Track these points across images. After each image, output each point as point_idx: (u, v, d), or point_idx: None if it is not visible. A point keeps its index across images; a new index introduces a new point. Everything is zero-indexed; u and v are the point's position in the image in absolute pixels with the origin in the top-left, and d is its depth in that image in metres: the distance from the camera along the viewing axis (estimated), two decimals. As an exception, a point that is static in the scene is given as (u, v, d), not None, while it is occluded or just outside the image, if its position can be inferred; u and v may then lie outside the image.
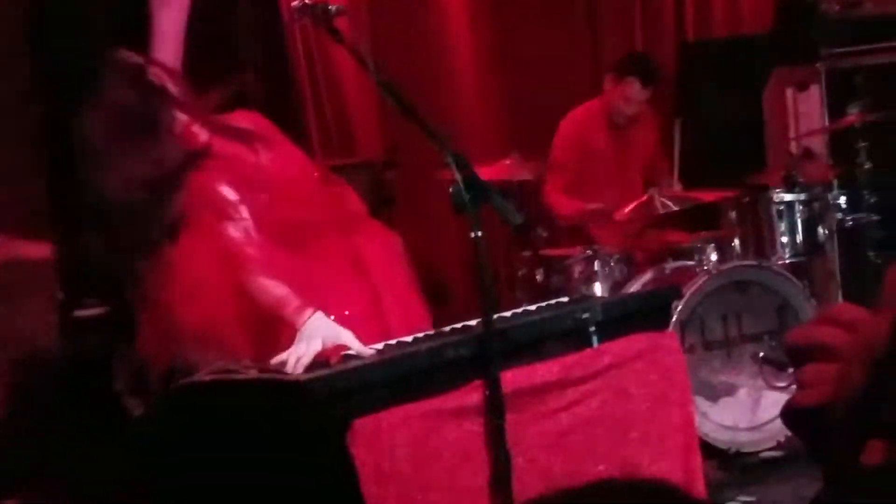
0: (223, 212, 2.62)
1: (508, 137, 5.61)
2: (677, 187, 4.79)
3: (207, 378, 2.41)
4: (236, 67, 4.11)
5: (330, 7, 2.63)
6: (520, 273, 4.64)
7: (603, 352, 2.59)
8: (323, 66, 5.24)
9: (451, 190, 2.34)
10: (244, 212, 2.62)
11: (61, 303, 4.24)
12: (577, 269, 4.52)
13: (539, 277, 4.62)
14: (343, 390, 2.28)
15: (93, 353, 4.08)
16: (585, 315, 2.57)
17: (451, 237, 5.81)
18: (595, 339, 2.58)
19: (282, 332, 2.55)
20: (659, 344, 2.66)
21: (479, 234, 2.31)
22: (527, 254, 4.66)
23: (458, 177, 2.32)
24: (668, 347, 2.68)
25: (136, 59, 2.74)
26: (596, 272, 4.47)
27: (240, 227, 2.63)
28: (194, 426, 2.39)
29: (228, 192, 2.63)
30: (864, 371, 0.89)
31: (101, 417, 3.70)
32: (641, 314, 2.69)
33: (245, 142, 2.70)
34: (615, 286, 4.44)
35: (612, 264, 4.52)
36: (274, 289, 2.58)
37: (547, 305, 2.82)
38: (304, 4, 2.65)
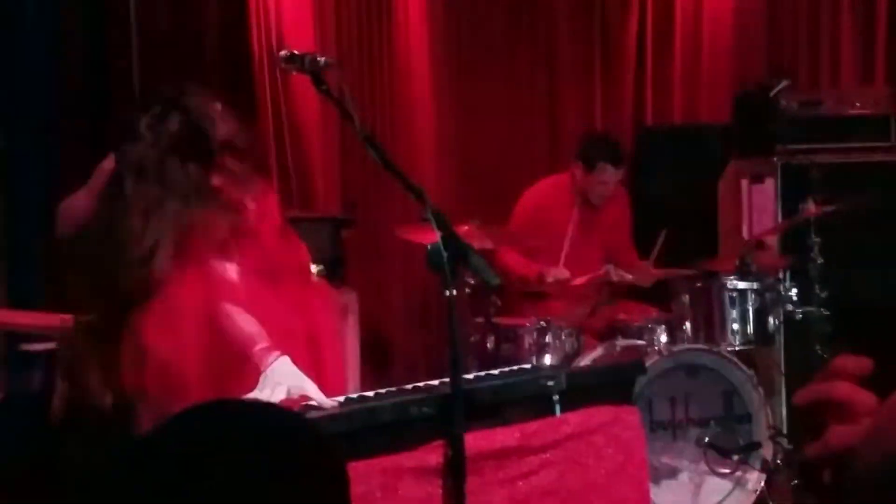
0: (221, 250, 2.63)
1: (464, 206, 5.64)
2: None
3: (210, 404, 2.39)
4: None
5: (319, 59, 2.64)
6: (471, 339, 4.64)
7: (564, 421, 2.58)
8: (288, 116, 5.25)
9: (428, 247, 2.34)
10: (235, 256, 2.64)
11: (9, 336, 4.16)
12: (528, 340, 4.52)
13: (490, 345, 4.61)
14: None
15: (37, 386, 4.00)
16: (550, 383, 2.57)
17: (398, 298, 5.82)
18: (558, 407, 2.58)
19: (246, 371, 2.52)
20: (620, 418, 2.66)
21: (454, 293, 2.31)
22: (479, 320, 4.66)
23: (437, 235, 2.32)
24: (628, 422, 2.68)
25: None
26: (547, 344, 4.48)
27: (226, 263, 2.61)
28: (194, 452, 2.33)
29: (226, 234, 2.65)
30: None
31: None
32: (604, 387, 2.69)
33: (244, 186, 2.71)
34: (565, 359, 4.45)
35: (563, 337, 4.54)
36: (246, 324, 2.59)
37: (510, 371, 2.82)
38: (293, 54, 2.66)
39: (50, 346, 4.14)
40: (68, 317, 2.99)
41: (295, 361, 2.58)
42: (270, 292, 2.73)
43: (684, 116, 6.31)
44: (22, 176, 4.17)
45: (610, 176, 4.99)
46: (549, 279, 4.84)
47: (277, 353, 2.55)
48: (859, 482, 0.91)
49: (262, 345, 2.55)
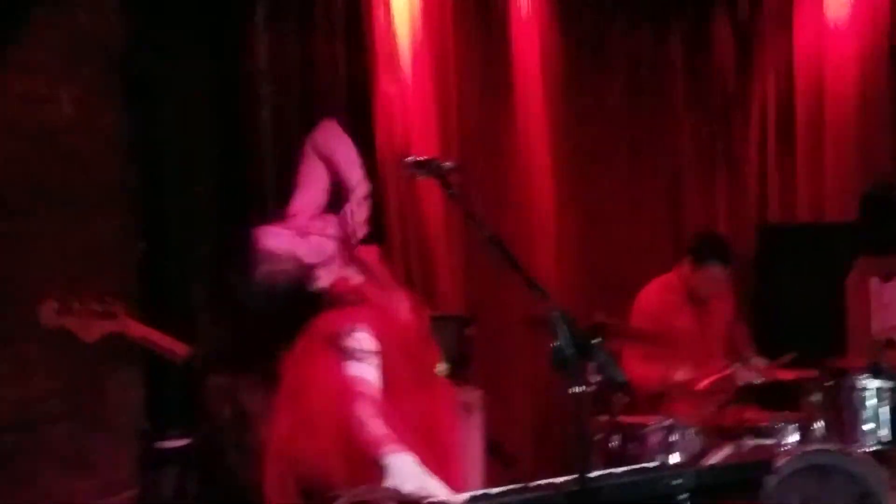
0: (351, 353, 2.70)
1: (586, 304, 5.66)
2: (760, 361, 4.81)
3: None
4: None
5: (444, 164, 2.75)
6: (595, 437, 4.62)
7: (692, 520, 2.57)
8: (413, 220, 5.39)
9: (553, 345, 2.39)
10: (375, 360, 2.71)
11: (144, 432, 4.30)
12: (653, 439, 4.49)
13: (614, 444, 4.59)
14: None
15: (171, 485, 4.12)
16: (678, 481, 2.56)
17: (523, 397, 5.82)
18: (685, 506, 2.57)
19: (376, 474, 2.58)
20: (749, 517, 2.63)
21: (580, 390, 2.34)
22: (603, 419, 4.64)
23: (561, 332, 2.36)
24: (758, 522, 2.65)
25: None
26: (673, 443, 4.43)
27: (366, 369, 2.70)
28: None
29: (365, 339, 2.72)
30: None
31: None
32: (733, 486, 2.67)
33: (381, 285, 2.82)
34: (692, 459, 4.39)
35: (689, 436, 4.49)
36: (378, 427, 2.63)
37: (637, 469, 2.81)
38: (419, 160, 2.78)
39: (184, 443, 4.28)
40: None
41: (423, 459, 2.62)
42: (403, 388, 2.79)
43: (809, 213, 6.26)
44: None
45: (719, 273, 5.02)
46: (676, 378, 4.84)
47: (402, 452, 2.59)
48: None
49: (388, 446, 2.60)
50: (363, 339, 2.74)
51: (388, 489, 2.48)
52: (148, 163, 4.31)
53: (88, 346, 4.20)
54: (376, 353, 2.74)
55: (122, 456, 4.26)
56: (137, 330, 3.35)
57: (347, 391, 2.69)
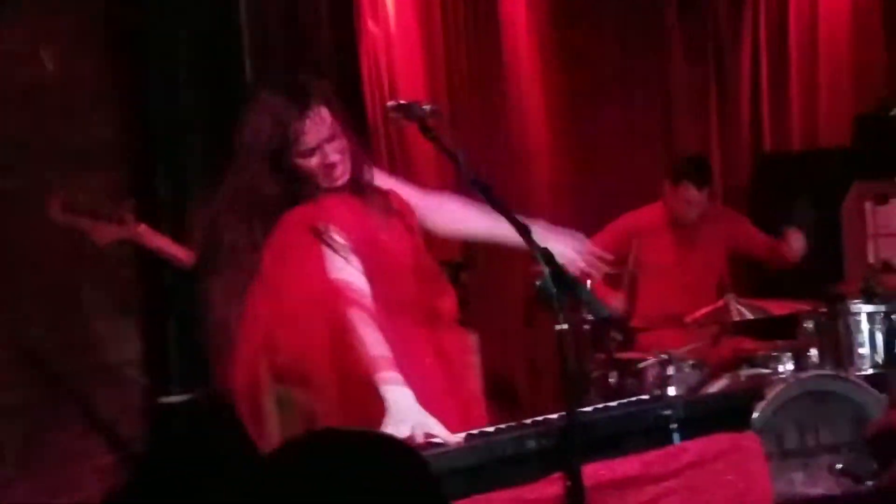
0: (334, 247, 2.65)
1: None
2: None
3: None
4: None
5: (424, 107, 2.74)
6: (593, 375, 4.66)
7: (684, 450, 2.59)
8: (404, 164, 5.38)
9: (537, 283, 2.40)
10: (355, 261, 2.65)
11: (145, 388, 4.34)
12: (651, 373, 4.53)
13: (612, 380, 4.63)
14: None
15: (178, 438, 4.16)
16: (667, 412, 2.59)
17: (519, 338, 5.85)
18: (676, 436, 2.59)
19: (372, 399, 2.56)
20: (740, 445, 2.65)
21: (566, 326, 2.36)
22: (601, 356, 4.67)
23: (545, 270, 2.37)
24: (749, 449, 2.67)
25: None
26: (670, 376, 4.47)
27: (352, 272, 2.64)
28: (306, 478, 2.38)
29: (340, 236, 2.66)
30: None
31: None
32: (723, 415, 2.69)
33: (377, 207, 2.78)
34: (689, 391, 4.43)
35: (686, 369, 4.53)
36: (375, 346, 2.56)
37: (627, 402, 2.84)
38: (400, 104, 2.77)
39: (187, 397, 4.32)
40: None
41: (425, 392, 2.62)
42: (398, 319, 2.73)
43: (803, 141, 6.23)
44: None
45: (693, 195, 5.01)
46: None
47: (401, 385, 2.56)
48: None
49: (388, 372, 2.55)
50: (339, 237, 2.66)
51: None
52: (135, 116, 4.30)
53: (87, 301, 4.24)
54: (354, 255, 2.65)
55: (125, 412, 4.31)
56: (149, 237, 3.32)
57: (339, 293, 2.61)
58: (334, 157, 2.76)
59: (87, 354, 4.25)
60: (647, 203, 5.60)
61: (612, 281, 4.97)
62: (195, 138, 4.41)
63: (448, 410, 2.70)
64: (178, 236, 4.34)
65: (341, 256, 2.66)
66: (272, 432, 2.69)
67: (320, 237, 2.67)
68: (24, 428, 4.05)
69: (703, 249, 5.17)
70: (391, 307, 2.72)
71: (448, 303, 2.92)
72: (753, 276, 5.61)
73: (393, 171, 5.33)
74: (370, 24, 5.07)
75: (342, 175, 2.78)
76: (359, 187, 2.84)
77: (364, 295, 2.64)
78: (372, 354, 2.57)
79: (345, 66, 4.88)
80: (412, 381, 2.62)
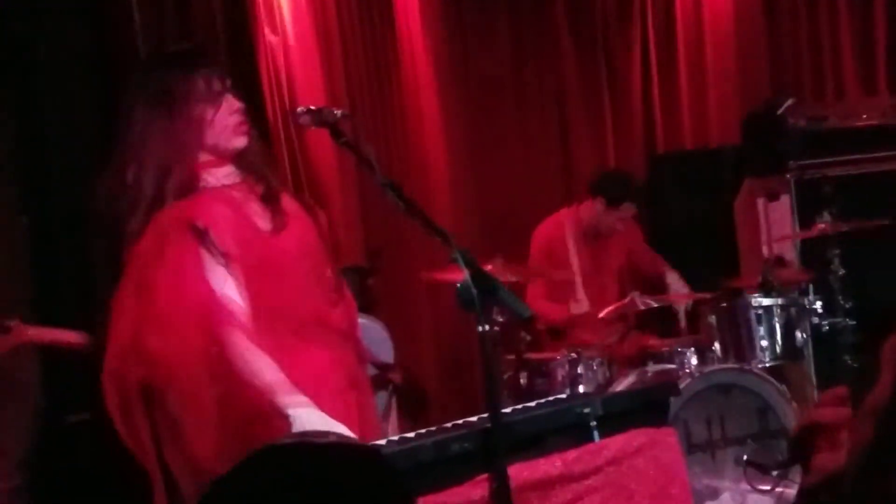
0: (213, 255, 2.55)
1: (483, 245, 5.70)
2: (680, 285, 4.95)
3: (289, 441, 2.35)
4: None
5: (335, 112, 2.71)
6: (504, 376, 4.68)
7: (604, 447, 2.61)
8: (306, 170, 5.33)
9: (458, 286, 2.39)
10: (233, 271, 2.57)
11: (44, 410, 4.21)
12: (560, 372, 4.57)
13: (523, 380, 4.66)
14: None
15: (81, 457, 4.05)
16: (586, 410, 2.60)
17: (428, 342, 5.86)
18: (596, 433, 2.61)
19: (255, 418, 2.50)
20: (658, 440, 2.69)
21: (487, 328, 2.36)
22: (510, 357, 4.70)
23: (465, 273, 2.37)
24: (667, 443, 2.71)
25: None
26: (580, 374, 4.53)
27: (230, 285, 2.55)
28: (275, 488, 2.31)
29: (218, 242, 2.57)
30: (871, 424, 0.95)
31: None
32: (640, 410, 2.72)
33: (269, 205, 2.69)
34: (599, 388, 4.49)
35: (594, 367, 4.58)
36: (266, 371, 2.49)
37: (545, 402, 2.85)
38: (310, 109, 2.73)
39: (84, 417, 4.20)
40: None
41: (328, 410, 2.55)
42: (284, 330, 2.63)
43: (694, 141, 6.38)
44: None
45: (598, 212, 5.13)
46: (574, 312, 4.95)
47: (304, 400, 2.51)
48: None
49: (285, 395, 2.47)
50: (218, 243, 2.56)
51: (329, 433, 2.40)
52: (26, 132, 4.17)
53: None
54: (231, 260, 2.56)
55: (24, 434, 4.17)
56: (39, 335, 3.28)
57: (218, 308, 2.51)
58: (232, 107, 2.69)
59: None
60: (545, 204, 5.67)
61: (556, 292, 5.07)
62: (90, 152, 4.30)
63: (343, 415, 2.61)
64: (75, 254, 4.23)
65: (220, 265, 2.57)
66: (142, 427, 2.58)
67: (200, 239, 2.58)
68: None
69: (610, 257, 5.27)
70: (275, 313, 2.63)
71: (340, 314, 2.80)
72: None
73: (295, 177, 5.30)
74: (267, 33, 5.02)
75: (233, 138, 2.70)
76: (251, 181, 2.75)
77: (243, 313, 2.55)
78: (266, 381, 2.49)
79: (244, 74, 4.81)
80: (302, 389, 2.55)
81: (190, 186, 2.64)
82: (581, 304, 4.99)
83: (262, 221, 2.69)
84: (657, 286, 5.14)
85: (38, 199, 4.22)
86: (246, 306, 2.56)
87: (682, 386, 4.23)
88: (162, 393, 2.54)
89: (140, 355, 2.52)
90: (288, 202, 2.80)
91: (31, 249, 4.14)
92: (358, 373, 2.87)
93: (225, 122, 2.70)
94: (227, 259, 2.57)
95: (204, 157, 2.69)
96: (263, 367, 2.50)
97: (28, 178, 4.20)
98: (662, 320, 5.18)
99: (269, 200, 2.72)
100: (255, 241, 2.64)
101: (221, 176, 2.72)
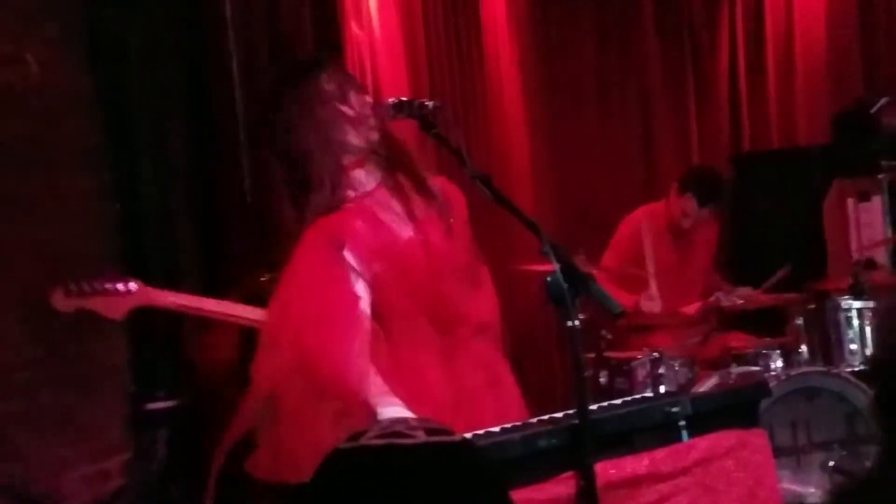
0: (349, 270, 2.64)
1: (563, 241, 5.65)
2: (745, 290, 4.85)
3: (378, 441, 2.38)
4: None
5: (427, 104, 2.70)
6: (585, 375, 4.63)
7: (693, 447, 2.57)
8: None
9: (547, 279, 2.36)
10: (363, 288, 2.64)
11: (132, 395, 4.27)
12: (641, 372, 4.52)
13: (603, 379, 4.62)
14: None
15: (163, 446, 4.10)
16: (675, 409, 2.56)
17: (509, 335, 5.81)
18: (685, 433, 2.57)
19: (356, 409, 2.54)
20: (748, 441, 2.64)
21: (577, 323, 2.33)
22: (590, 356, 4.66)
23: (556, 266, 2.35)
24: (756, 445, 2.65)
25: None
26: (661, 374, 4.47)
27: (360, 297, 2.63)
28: (362, 489, 2.33)
29: (352, 259, 2.65)
30: None
31: None
32: (730, 411, 2.68)
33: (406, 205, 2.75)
34: (680, 389, 4.42)
35: (676, 367, 4.52)
36: (374, 381, 2.57)
37: (633, 399, 2.82)
38: (401, 101, 2.73)
39: (171, 404, 4.25)
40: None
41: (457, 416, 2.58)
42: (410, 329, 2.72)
43: (782, 140, 6.27)
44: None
45: (691, 208, 5.02)
46: (643, 309, 4.87)
47: (393, 399, 2.55)
48: None
49: (378, 389, 2.56)
50: (352, 259, 2.65)
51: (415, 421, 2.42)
52: (117, 121, 4.23)
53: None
54: (363, 275, 2.65)
55: (111, 420, 4.24)
56: (162, 298, 3.23)
57: (346, 318, 2.60)
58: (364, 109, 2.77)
59: (72, 363, 4.17)
60: (626, 200, 5.61)
61: (628, 284, 5.00)
62: (178, 141, 4.36)
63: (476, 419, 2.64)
64: (162, 239, 4.29)
65: (354, 280, 2.65)
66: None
67: (337, 254, 2.65)
68: (6, 439, 3.96)
69: (696, 254, 5.19)
70: (414, 320, 2.70)
71: (478, 304, 2.84)
72: (735, 276, 5.63)
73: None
74: (354, 28, 5.03)
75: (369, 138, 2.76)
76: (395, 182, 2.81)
77: (369, 323, 2.64)
78: (371, 390, 2.57)
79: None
80: (413, 394, 2.61)
81: (337, 192, 2.72)
82: (653, 301, 4.90)
83: (402, 226, 2.75)
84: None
85: (129, 187, 4.28)
86: (369, 323, 2.63)
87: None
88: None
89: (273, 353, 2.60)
90: (438, 185, 2.86)
91: (122, 236, 4.20)
92: (498, 368, 2.91)
93: (362, 117, 2.74)
94: (359, 274, 2.65)
95: (347, 159, 2.73)
96: (372, 377, 2.57)
97: (119, 166, 4.27)
98: (747, 322, 5.09)
99: (421, 191, 2.79)
100: (392, 249, 2.71)
101: (363, 179, 2.78)
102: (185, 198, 4.31)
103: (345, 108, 2.73)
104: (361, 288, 2.65)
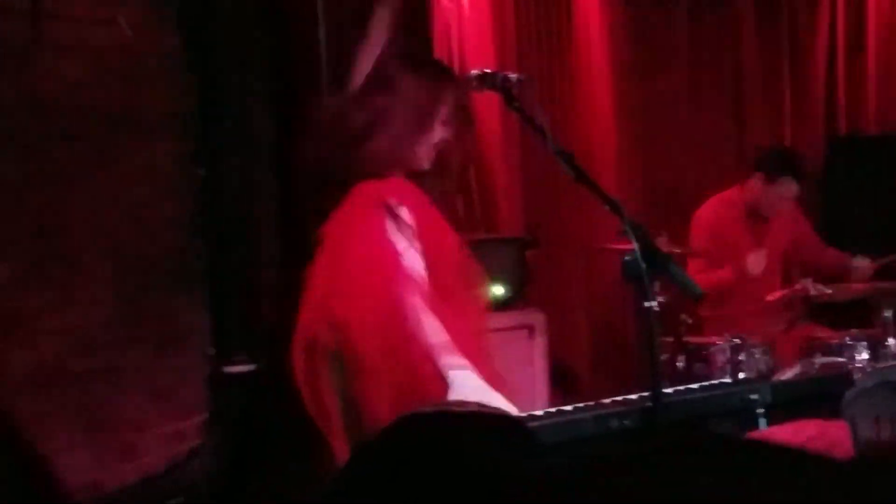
0: (402, 229, 2.65)
1: (648, 222, 5.56)
2: (862, 260, 4.74)
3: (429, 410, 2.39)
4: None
5: (511, 76, 2.67)
6: (661, 358, 4.56)
7: (771, 435, 2.51)
8: (472, 139, 5.30)
9: (625, 258, 2.33)
10: (417, 245, 2.65)
11: (212, 358, 4.33)
12: (721, 358, 4.42)
13: (680, 364, 4.53)
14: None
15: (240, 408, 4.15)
16: (754, 396, 2.51)
17: (584, 317, 5.77)
18: (763, 421, 2.52)
19: (423, 379, 2.53)
20: (828, 432, 2.58)
21: (654, 304, 2.29)
22: (669, 340, 4.58)
23: (635, 246, 2.30)
24: (837, 438, 2.59)
25: None
26: (741, 361, 4.37)
27: (414, 256, 2.63)
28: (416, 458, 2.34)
29: (409, 218, 2.67)
30: None
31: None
32: (811, 401, 2.61)
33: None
34: (760, 378, 4.33)
35: (757, 355, 4.42)
36: (435, 333, 2.56)
37: (711, 384, 2.77)
38: (485, 73, 2.70)
39: (249, 368, 4.30)
40: None
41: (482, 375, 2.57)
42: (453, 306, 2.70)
43: (879, 125, 6.08)
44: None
45: (792, 189, 4.90)
46: (749, 269, 4.76)
47: (464, 363, 2.53)
48: None
49: (448, 356, 2.53)
50: (408, 219, 2.66)
51: (469, 402, 2.42)
52: (204, 85, 4.27)
53: (154, 272, 4.24)
54: (417, 240, 2.66)
55: (190, 381, 4.30)
56: None
57: (400, 273, 2.60)
58: (448, 136, 2.75)
59: (153, 323, 4.24)
60: (715, 183, 5.49)
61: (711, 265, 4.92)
62: (263, 110, 4.38)
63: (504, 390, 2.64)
64: (246, 207, 4.33)
65: (406, 238, 2.63)
66: (326, 391, 2.66)
67: (391, 213, 2.63)
68: (88, 394, 4.05)
69: (772, 241, 5.06)
70: (441, 294, 2.70)
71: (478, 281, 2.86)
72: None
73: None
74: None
75: (429, 160, 2.75)
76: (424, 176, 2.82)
77: (424, 281, 2.64)
78: (432, 342, 2.56)
79: (416, 37, 4.82)
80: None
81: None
82: (761, 261, 4.80)
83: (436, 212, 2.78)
84: (827, 279, 4.92)
85: (213, 152, 4.32)
86: (425, 276, 2.64)
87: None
88: (349, 360, 2.61)
89: (329, 321, 2.62)
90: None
91: (204, 201, 4.25)
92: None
93: (436, 146, 2.75)
94: (413, 232, 2.66)
95: (400, 160, 2.76)
96: (434, 331, 2.57)
97: (205, 132, 4.31)
98: (832, 312, 4.95)
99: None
100: (431, 228, 2.72)
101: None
102: (269, 168, 4.35)
103: (438, 130, 2.73)
104: (410, 246, 2.66)
